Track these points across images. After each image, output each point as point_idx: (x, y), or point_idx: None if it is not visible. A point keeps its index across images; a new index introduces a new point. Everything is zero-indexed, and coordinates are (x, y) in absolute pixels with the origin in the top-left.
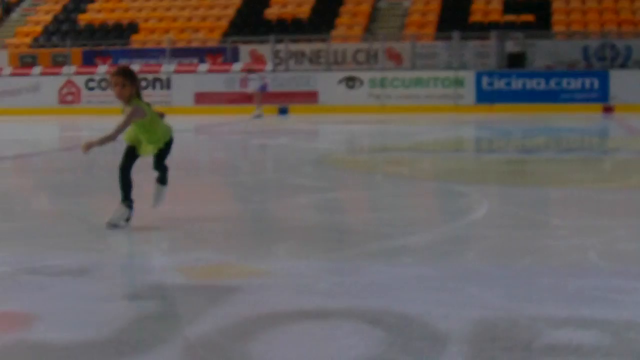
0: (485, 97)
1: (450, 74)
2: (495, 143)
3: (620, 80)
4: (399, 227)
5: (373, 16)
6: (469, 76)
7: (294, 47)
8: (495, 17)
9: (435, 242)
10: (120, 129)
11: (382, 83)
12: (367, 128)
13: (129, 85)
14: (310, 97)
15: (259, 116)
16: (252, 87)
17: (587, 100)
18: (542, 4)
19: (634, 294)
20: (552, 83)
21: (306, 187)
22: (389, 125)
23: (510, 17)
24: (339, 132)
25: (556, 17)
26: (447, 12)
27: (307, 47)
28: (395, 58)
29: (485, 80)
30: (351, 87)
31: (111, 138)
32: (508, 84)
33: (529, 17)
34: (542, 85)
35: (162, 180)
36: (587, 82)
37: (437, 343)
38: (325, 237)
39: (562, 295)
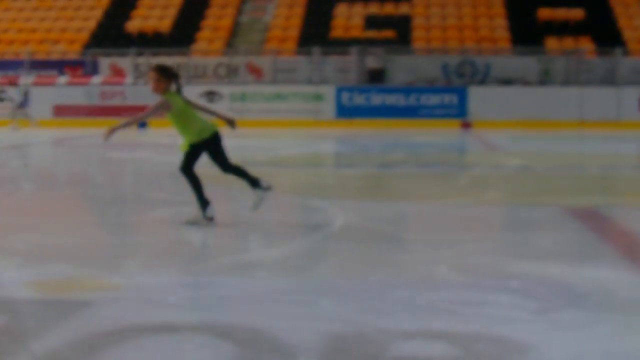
0: (345, 112)
1: (311, 88)
2: (354, 158)
3: (479, 97)
4: (254, 241)
5: (234, 30)
6: (329, 91)
7: (155, 60)
8: (356, 32)
9: (290, 256)
10: (141, 116)
11: (243, 97)
12: (226, 142)
13: (163, 80)
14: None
15: (15, 129)
16: (12, 100)
17: (446, 116)
18: (402, 20)
19: (483, 306)
20: (412, 99)
21: (163, 200)
22: (248, 139)
23: (371, 33)
24: None
25: (416, 34)
26: (308, 28)
27: (168, 61)
28: (256, 72)
29: (345, 95)
30: (211, 101)
31: (130, 123)
32: (368, 99)
33: (389, 33)
34: (402, 101)
35: (253, 183)
36: (446, 98)
37: (286, 356)
38: (181, 251)
39: (412, 309)
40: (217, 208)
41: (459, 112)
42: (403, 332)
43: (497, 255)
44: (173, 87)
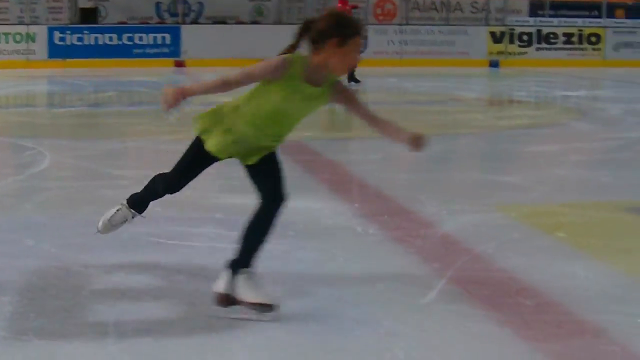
0: (57, 52)
1: (22, 29)
2: (66, 97)
3: (192, 36)
4: None
5: None
6: (41, 31)
7: None
8: None
9: None
10: None
11: None
12: None
13: None
14: None
15: None
16: None
17: (159, 55)
18: None
19: (187, 239)
20: (125, 38)
21: None
22: None
23: None
24: None
25: None
26: None
27: None
28: None
29: (57, 35)
30: None
31: None
32: (80, 39)
33: None
34: (115, 41)
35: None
36: (159, 37)
37: None
38: None
39: (116, 243)
40: None
41: (173, 51)
42: (106, 265)
43: (204, 190)
44: None
